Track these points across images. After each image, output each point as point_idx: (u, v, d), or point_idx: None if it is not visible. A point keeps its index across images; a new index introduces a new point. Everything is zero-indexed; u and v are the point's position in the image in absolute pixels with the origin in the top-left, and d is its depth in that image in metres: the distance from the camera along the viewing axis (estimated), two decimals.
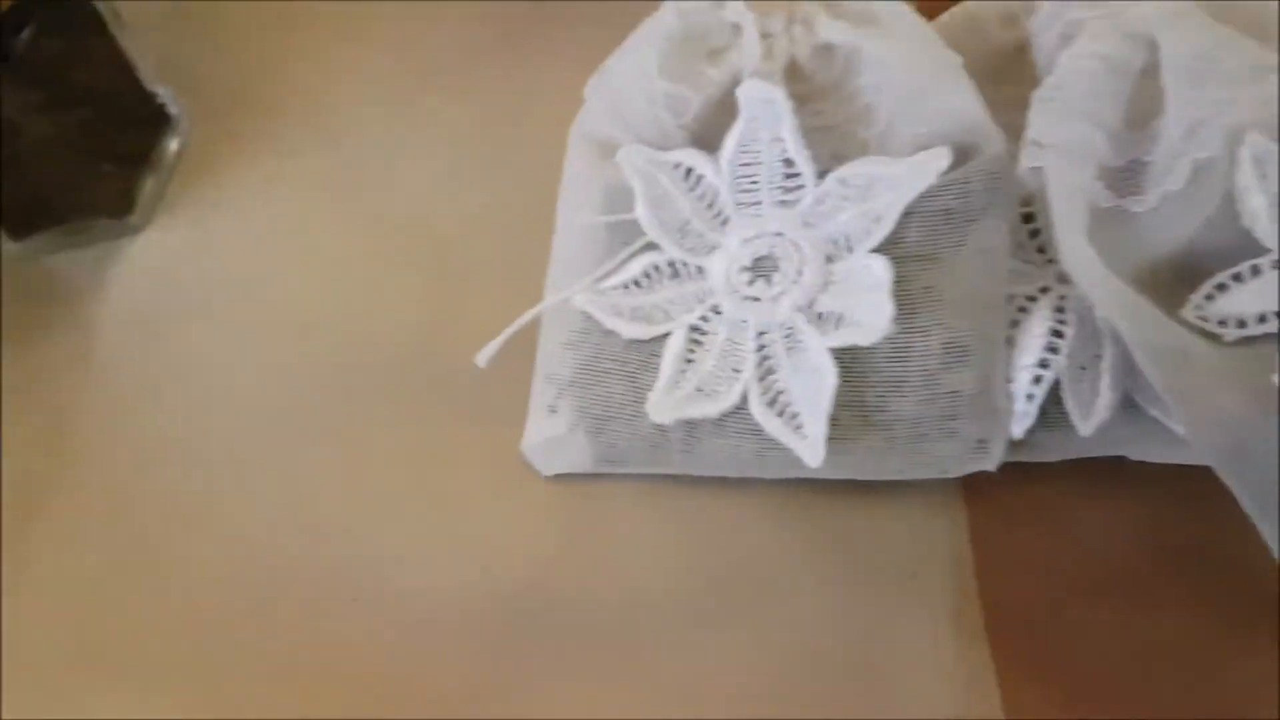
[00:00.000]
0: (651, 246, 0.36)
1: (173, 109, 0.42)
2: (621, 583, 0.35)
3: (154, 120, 0.42)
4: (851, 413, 0.33)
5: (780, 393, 0.34)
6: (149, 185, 0.42)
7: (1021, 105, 0.35)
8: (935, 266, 0.34)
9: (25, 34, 0.35)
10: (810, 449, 0.32)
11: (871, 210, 0.34)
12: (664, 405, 0.34)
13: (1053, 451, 0.35)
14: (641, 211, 0.36)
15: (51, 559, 0.36)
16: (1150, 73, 0.34)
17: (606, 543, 0.36)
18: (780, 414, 0.34)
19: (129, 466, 0.38)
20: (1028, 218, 0.36)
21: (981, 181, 0.34)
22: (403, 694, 0.34)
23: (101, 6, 0.38)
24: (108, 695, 0.34)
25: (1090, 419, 0.33)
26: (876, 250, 0.33)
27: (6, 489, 0.37)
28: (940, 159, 0.33)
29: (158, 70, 0.42)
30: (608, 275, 0.37)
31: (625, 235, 0.37)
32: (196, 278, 0.41)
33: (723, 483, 0.36)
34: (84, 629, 0.35)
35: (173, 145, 0.43)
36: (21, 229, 0.41)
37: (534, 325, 0.38)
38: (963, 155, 0.34)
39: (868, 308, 0.33)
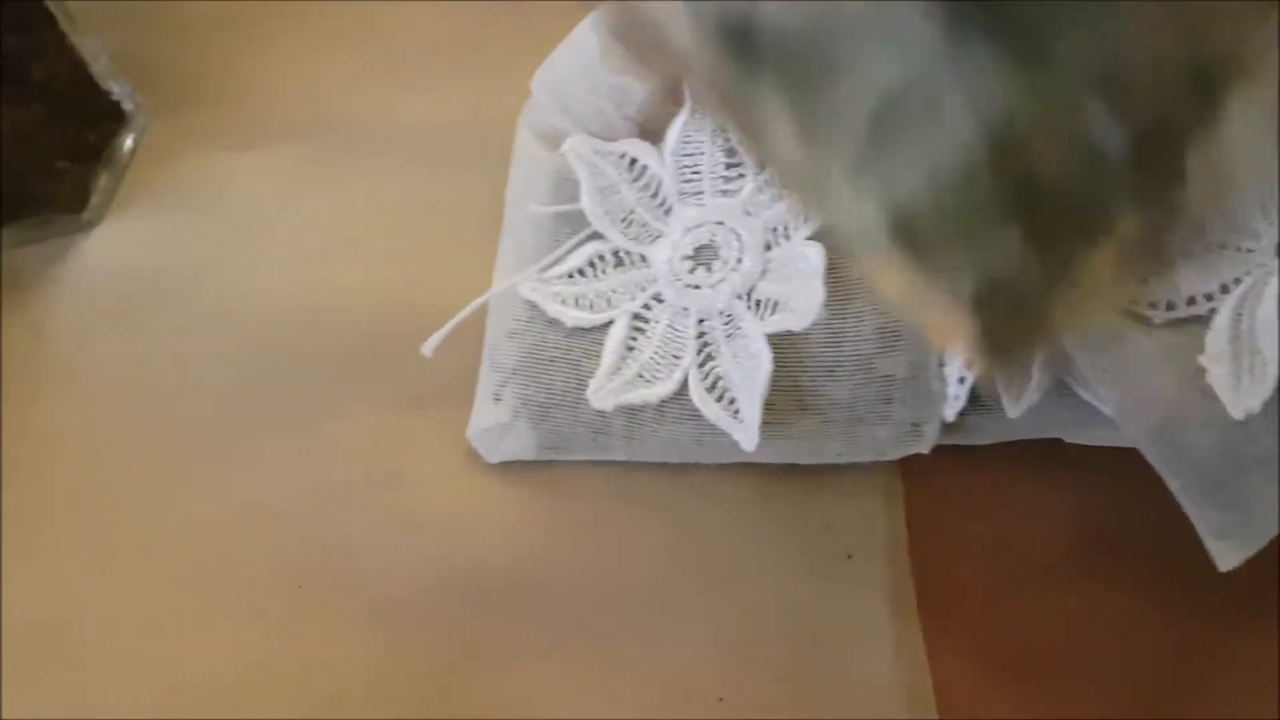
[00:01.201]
0: (596, 236, 0.37)
1: (127, 105, 0.43)
2: (570, 568, 0.36)
3: (109, 116, 0.42)
4: (788, 397, 0.34)
5: (719, 379, 0.34)
6: (103, 181, 0.42)
7: None
8: None
9: None
10: (745, 433, 0.33)
11: None
12: (604, 392, 0.35)
13: (986, 434, 0.35)
14: (586, 201, 0.37)
15: (10, 553, 0.37)
16: None
17: (556, 528, 0.36)
18: (719, 399, 0.34)
19: (85, 457, 0.38)
20: None
21: None
22: (356, 681, 0.34)
23: (53, 4, 0.39)
24: (62, 683, 0.34)
25: (1020, 401, 0.34)
26: (812, 238, 0.34)
27: None
28: None
29: (112, 67, 0.42)
30: (553, 264, 0.37)
31: (571, 225, 0.37)
32: (151, 272, 0.42)
33: (667, 469, 0.37)
34: (40, 618, 0.36)
35: (128, 141, 0.43)
36: None
37: (483, 314, 0.38)
38: None
39: (802, 294, 0.33)
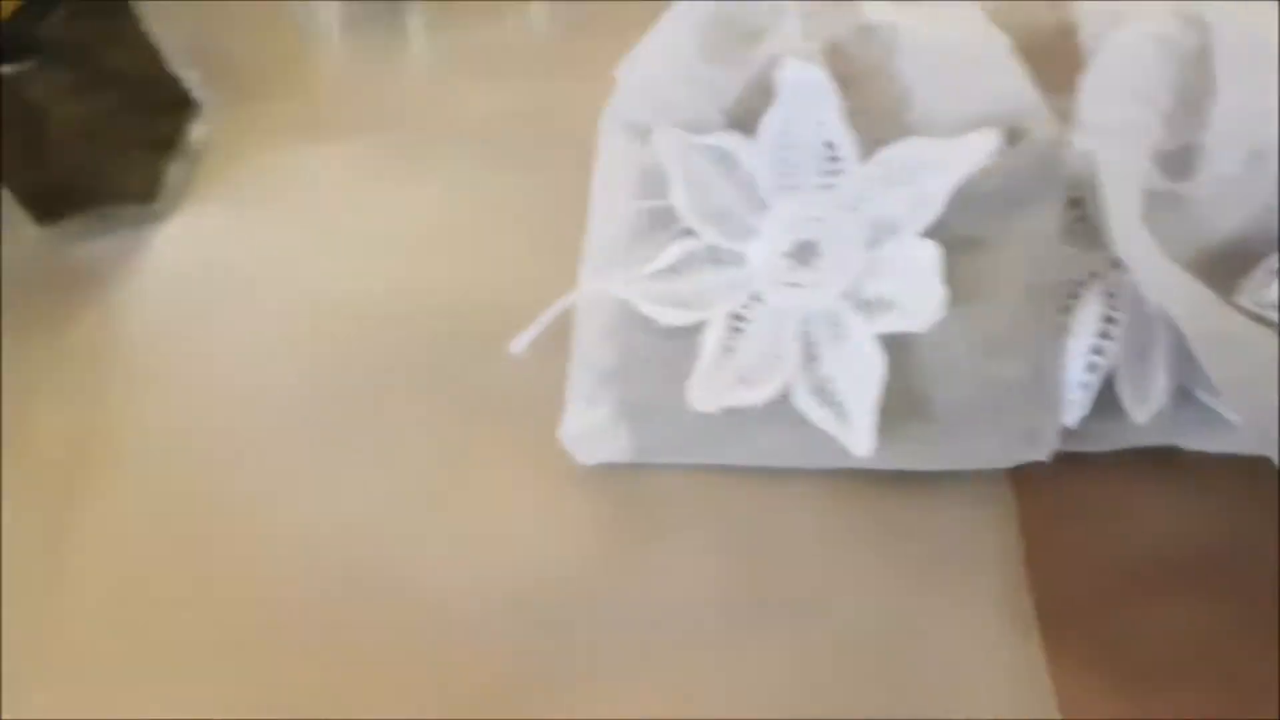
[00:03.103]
0: (688, 232, 0.36)
1: (199, 95, 0.42)
2: (664, 575, 0.34)
3: (180, 106, 0.41)
4: (898, 402, 0.33)
5: (825, 381, 0.33)
6: (174, 171, 0.41)
7: (1064, 88, 0.35)
8: (983, 252, 0.33)
9: (54, 18, 0.35)
10: (858, 439, 0.32)
11: (917, 193, 0.33)
12: (706, 394, 0.33)
13: (1106, 441, 0.34)
14: (678, 197, 0.35)
15: (84, 548, 0.36)
16: (1203, 55, 0.33)
17: (648, 535, 0.35)
18: (825, 403, 0.33)
19: (157, 455, 0.37)
20: (1075, 203, 0.35)
21: (1031, 164, 0.33)
22: (440, 691, 0.33)
23: None
24: (140, 690, 0.33)
25: (1145, 407, 0.33)
26: (923, 235, 0.33)
27: (38, 479, 0.37)
28: (990, 140, 0.32)
29: (186, 56, 0.41)
30: (644, 262, 0.36)
31: (661, 221, 0.36)
32: (222, 265, 0.41)
33: (766, 473, 0.35)
34: (117, 618, 0.34)
35: (199, 132, 0.42)
36: (47, 214, 0.40)
37: (570, 312, 0.37)
38: (1011, 138, 0.33)
39: (916, 293, 0.32)
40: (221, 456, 0.37)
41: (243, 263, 0.41)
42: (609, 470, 0.36)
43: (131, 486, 0.37)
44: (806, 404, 0.33)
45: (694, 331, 0.35)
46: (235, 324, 0.40)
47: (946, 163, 0.32)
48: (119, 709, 0.33)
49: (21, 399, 0.38)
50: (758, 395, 0.33)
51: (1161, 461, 0.34)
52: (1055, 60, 0.36)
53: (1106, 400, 0.33)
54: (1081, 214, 0.35)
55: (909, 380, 0.33)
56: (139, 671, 0.34)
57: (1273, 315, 0.32)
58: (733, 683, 0.33)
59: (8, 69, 0.33)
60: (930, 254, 0.32)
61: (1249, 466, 0.32)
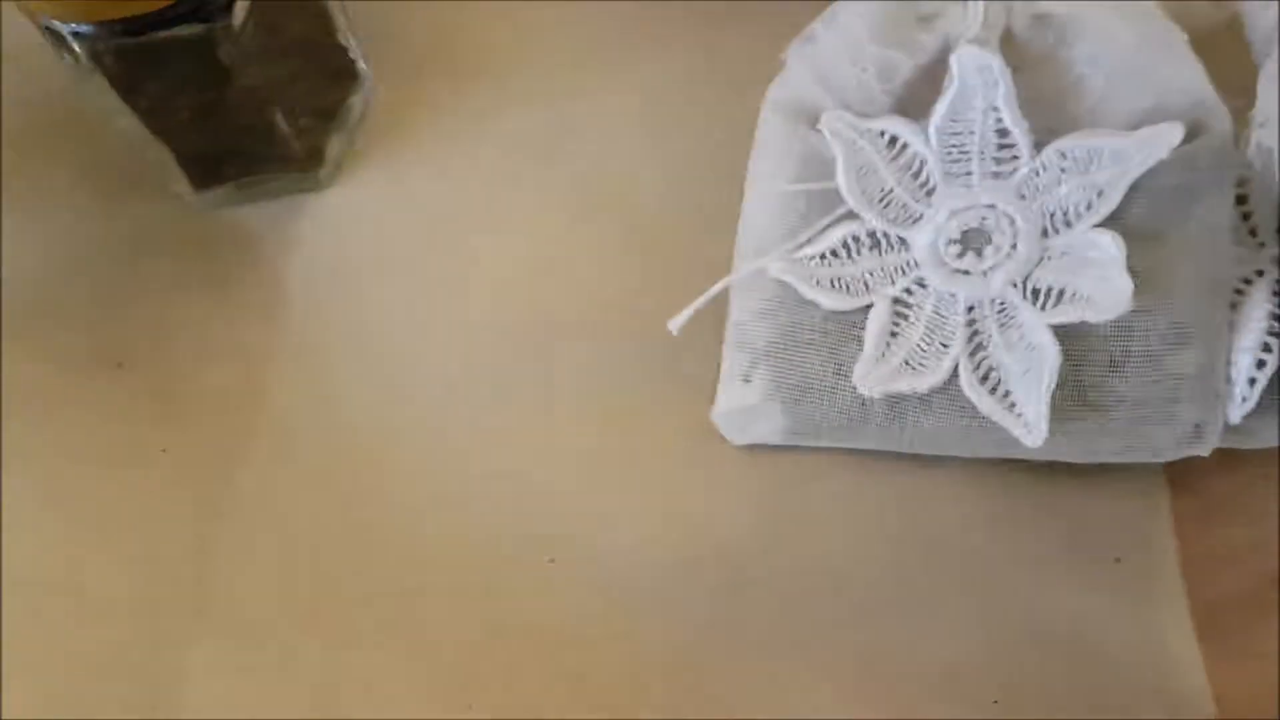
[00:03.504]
0: (851, 216, 0.36)
1: (361, 66, 0.42)
2: (819, 557, 0.35)
3: (347, 76, 0.42)
4: (1066, 393, 0.33)
5: (992, 370, 0.33)
6: (336, 141, 0.42)
7: (1228, 85, 0.34)
8: (1159, 244, 0.33)
9: None
10: (1030, 429, 0.32)
11: (1093, 184, 0.33)
12: (871, 378, 0.33)
13: (1268, 438, 0.34)
14: (842, 180, 0.35)
15: (249, 511, 0.37)
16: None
17: (802, 515, 0.36)
18: (992, 391, 0.33)
19: (317, 418, 0.38)
20: (1240, 199, 0.35)
21: (1209, 159, 0.33)
22: (600, 657, 0.34)
23: None
24: (308, 652, 0.34)
25: None
26: (1098, 226, 0.33)
27: (200, 440, 0.38)
28: (1174, 134, 0.32)
29: (352, 27, 0.41)
30: (804, 244, 0.36)
31: (822, 204, 0.36)
32: (382, 233, 0.41)
33: (917, 460, 0.35)
34: (276, 577, 0.36)
35: (359, 103, 0.42)
36: (206, 179, 0.41)
37: (725, 291, 0.37)
38: (1188, 132, 0.33)
39: (1096, 284, 0.32)
40: (380, 421, 0.38)
41: (401, 232, 0.41)
42: (764, 450, 0.36)
43: (293, 448, 0.37)
44: (974, 392, 0.33)
45: (854, 316, 0.35)
46: (393, 292, 0.40)
47: (1126, 154, 0.32)
48: (277, 667, 0.34)
49: (185, 361, 0.39)
50: (923, 382, 0.33)
51: None
52: (1222, 58, 0.36)
53: (1271, 398, 0.33)
54: (1247, 211, 0.35)
55: (1080, 371, 0.32)
56: (296, 631, 0.35)
57: None
58: (890, 662, 0.33)
59: (198, 29, 0.34)
60: (1116, 245, 0.32)
61: None
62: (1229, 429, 0.33)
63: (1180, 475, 0.35)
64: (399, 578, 0.35)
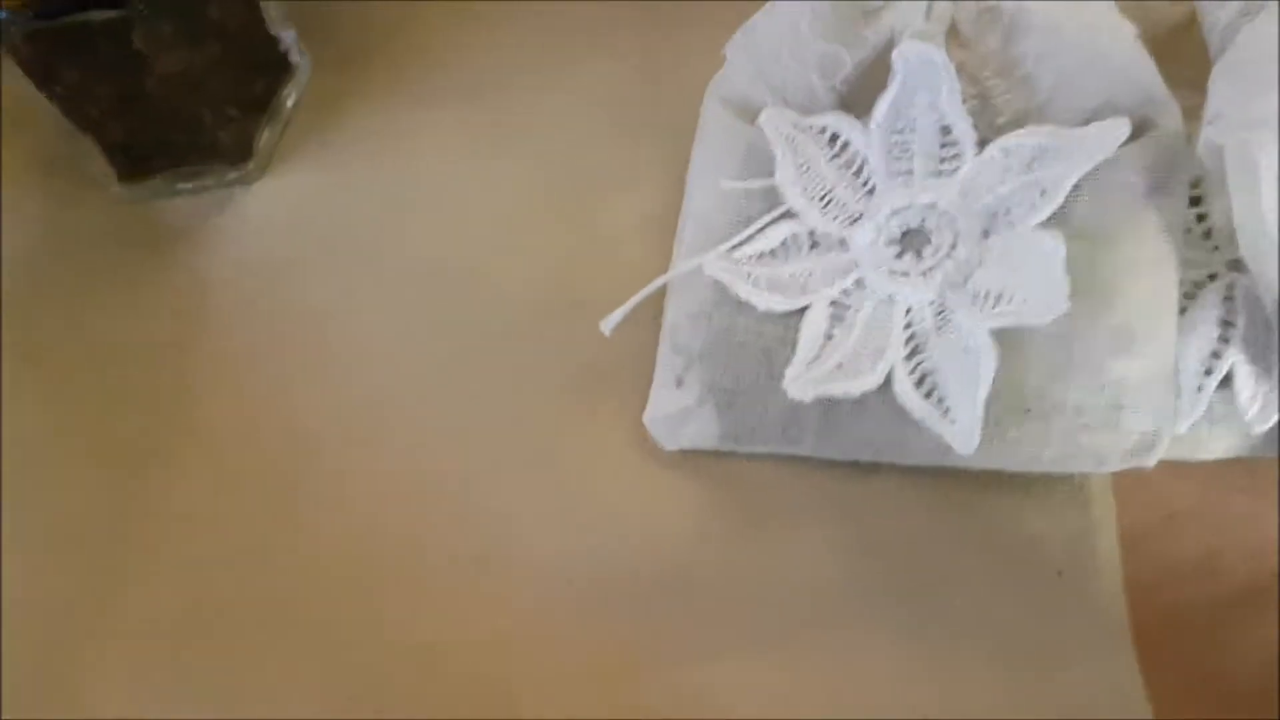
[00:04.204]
0: (790, 215, 0.35)
1: (295, 57, 0.41)
2: (748, 566, 0.34)
3: (276, 66, 0.41)
4: (1005, 400, 0.31)
5: (928, 374, 0.32)
6: (267, 133, 0.41)
7: (1186, 83, 0.33)
8: (1104, 244, 0.31)
9: None
10: (962, 435, 0.31)
11: (1037, 183, 0.31)
12: (803, 381, 0.32)
13: (1214, 449, 0.33)
14: (782, 178, 0.34)
15: (167, 504, 0.35)
16: None
17: (732, 523, 0.34)
18: (928, 396, 0.32)
19: (243, 415, 0.37)
20: (1193, 201, 0.33)
21: (1158, 156, 0.32)
22: (529, 667, 0.32)
23: None
24: (214, 657, 0.33)
25: (1261, 415, 0.31)
26: (1041, 226, 0.31)
27: (123, 434, 0.36)
28: (1120, 129, 0.31)
29: (284, 18, 0.40)
30: (742, 244, 0.35)
31: (762, 202, 0.35)
32: (313, 226, 0.40)
33: (853, 468, 0.34)
34: (197, 583, 0.34)
35: (292, 93, 0.41)
36: (133, 171, 0.40)
37: (660, 292, 0.36)
38: (1136, 129, 0.32)
39: (1035, 285, 0.30)
40: (306, 413, 0.37)
41: (332, 226, 0.40)
42: (699, 456, 0.35)
43: (216, 443, 0.36)
44: (908, 397, 0.32)
45: (790, 318, 0.34)
46: (323, 286, 0.39)
47: (1071, 151, 0.31)
48: (187, 671, 0.33)
49: (106, 358, 0.38)
50: (857, 385, 0.32)
51: (1254, 469, 0.33)
52: (1177, 55, 0.35)
53: (1224, 405, 0.32)
54: (1202, 213, 0.34)
55: (1021, 376, 0.31)
56: (203, 636, 0.33)
57: None
58: (839, 669, 0.32)
59: (113, 14, 0.33)
60: (1054, 245, 0.30)
61: None
62: (1176, 439, 0.32)
63: (1128, 484, 0.34)
64: (318, 583, 0.34)
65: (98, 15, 0.33)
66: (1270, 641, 0.32)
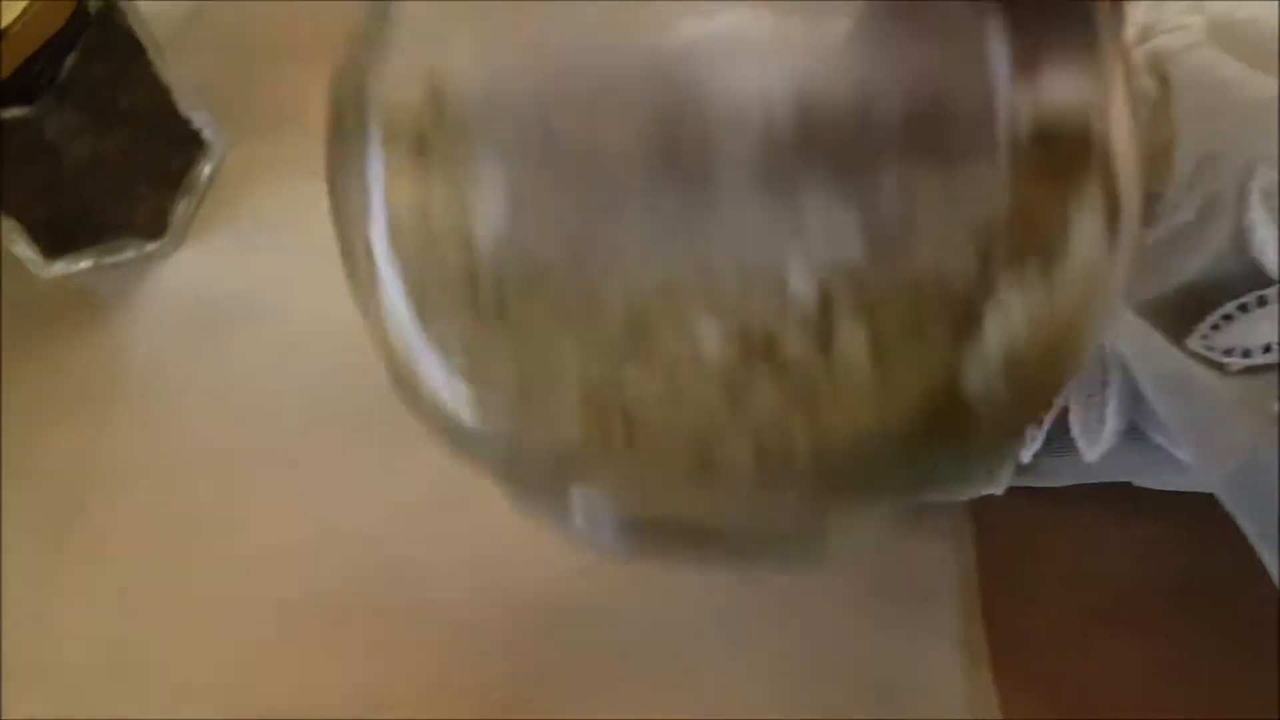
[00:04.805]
0: None
1: (207, 133, 0.43)
2: (638, 598, 0.36)
3: (189, 143, 0.43)
4: None
5: None
6: (182, 207, 0.43)
7: None
8: None
9: (70, 59, 0.36)
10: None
11: None
12: None
13: (1060, 477, 0.35)
14: None
15: (85, 572, 0.37)
16: (1164, 102, 0.35)
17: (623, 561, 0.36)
18: None
19: (160, 478, 0.39)
20: None
21: None
22: (425, 709, 0.34)
23: (141, 33, 0.39)
24: (138, 709, 0.35)
25: (1096, 446, 0.34)
26: None
27: (42, 505, 0.38)
28: None
29: (195, 96, 0.43)
30: None
31: None
32: (227, 297, 0.42)
33: None
34: (115, 641, 0.36)
35: (206, 168, 0.44)
36: (55, 249, 0.42)
37: None
38: None
39: None
40: (224, 478, 0.39)
41: (248, 294, 0.42)
42: None
43: (133, 508, 0.38)
44: None
45: None
46: (240, 354, 0.41)
47: None
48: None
49: (25, 426, 0.40)
50: None
51: (1119, 497, 0.35)
52: None
53: (1061, 436, 0.35)
54: None
55: None
56: (132, 689, 0.35)
57: (1221, 358, 0.33)
58: (715, 698, 0.34)
59: (24, 111, 0.35)
60: None
61: (1201, 502, 0.33)
62: (1020, 468, 0.35)
63: (984, 512, 0.36)
64: (233, 634, 0.36)
65: (8, 113, 0.35)
66: (1128, 658, 0.34)
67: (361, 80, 0.23)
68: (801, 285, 0.18)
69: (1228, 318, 0.34)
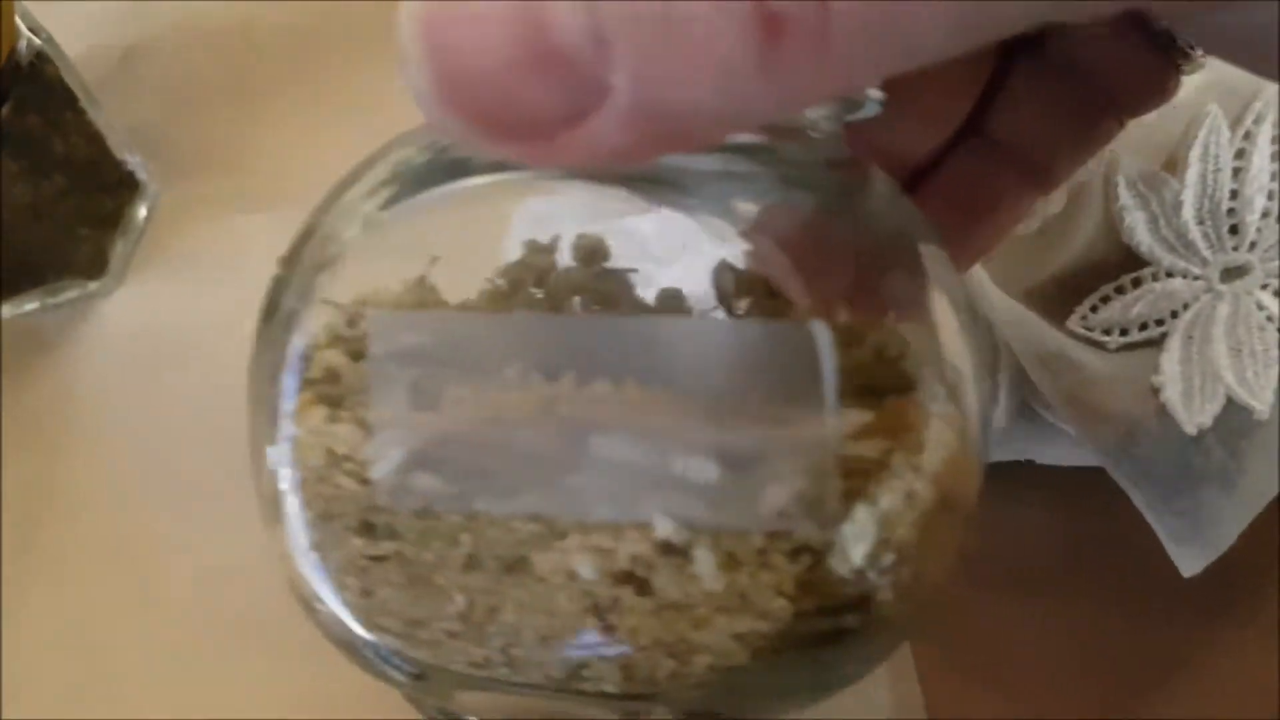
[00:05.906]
0: None
1: (141, 175, 0.45)
2: None
3: (125, 185, 0.45)
4: None
5: None
6: (120, 247, 0.44)
7: None
8: None
9: (3, 111, 0.38)
10: None
11: None
12: None
13: None
14: None
15: (42, 603, 0.39)
16: None
17: None
18: None
19: (102, 514, 0.40)
20: None
21: None
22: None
23: (73, 83, 0.41)
24: None
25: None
26: None
27: None
28: None
29: (128, 139, 0.44)
30: None
31: None
32: (167, 333, 0.44)
33: None
34: (74, 668, 0.38)
35: (142, 209, 0.45)
36: (3, 291, 0.43)
37: None
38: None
39: None
40: (165, 509, 0.40)
41: (187, 330, 0.44)
42: None
43: (82, 537, 0.40)
44: None
45: None
46: (181, 388, 0.42)
47: None
48: None
49: None
50: None
51: (1017, 474, 0.38)
52: None
53: None
54: None
55: None
56: (90, 709, 0.36)
57: (1100, 338, 0.36)
58: None
59: None
60: None
61: (1092, 477, 0.35)
62: None
63: None
64: (189, 658, 0.37)
65: None
66: (1025, 622, 0.37)
67: (308, 283, 0.24)
68: (662, 524, 0.20)
69: (1105, 299, 0.36)
